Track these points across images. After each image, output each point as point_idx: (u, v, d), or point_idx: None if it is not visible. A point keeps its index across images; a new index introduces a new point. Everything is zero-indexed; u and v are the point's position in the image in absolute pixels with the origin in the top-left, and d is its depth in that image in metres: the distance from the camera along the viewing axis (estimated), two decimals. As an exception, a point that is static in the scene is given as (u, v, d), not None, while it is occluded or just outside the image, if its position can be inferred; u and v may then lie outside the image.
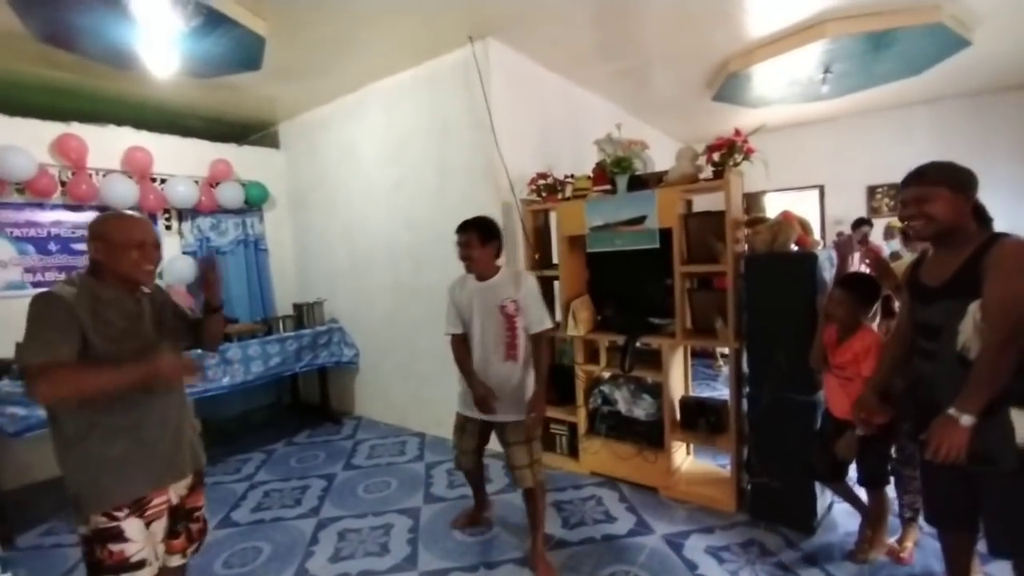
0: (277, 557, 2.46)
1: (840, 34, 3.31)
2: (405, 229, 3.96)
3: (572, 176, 3.20)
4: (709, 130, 5.86)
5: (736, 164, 2.54)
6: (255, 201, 4.60)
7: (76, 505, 1.37)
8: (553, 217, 3.28)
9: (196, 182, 4.19)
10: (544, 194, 3.21)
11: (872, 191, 5.95)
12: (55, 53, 3.04)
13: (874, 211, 5.86)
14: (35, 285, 3.48)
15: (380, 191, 4.09)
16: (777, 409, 2.40)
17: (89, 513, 1.35)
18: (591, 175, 3.07)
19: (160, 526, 1.48)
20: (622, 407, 2.93)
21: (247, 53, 3.16)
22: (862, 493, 2.23)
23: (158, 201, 3.97)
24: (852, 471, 2.18)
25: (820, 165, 6.23)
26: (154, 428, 1.46)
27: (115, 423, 1.39)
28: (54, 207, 3.58)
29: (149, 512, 1.44)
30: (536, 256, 3.27)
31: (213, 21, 2.74)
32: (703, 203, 2.92)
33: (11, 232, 3.41)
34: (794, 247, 2.44)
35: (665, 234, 2.66)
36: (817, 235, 2.72)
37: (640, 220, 2.70)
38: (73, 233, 3.67)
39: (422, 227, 3.85)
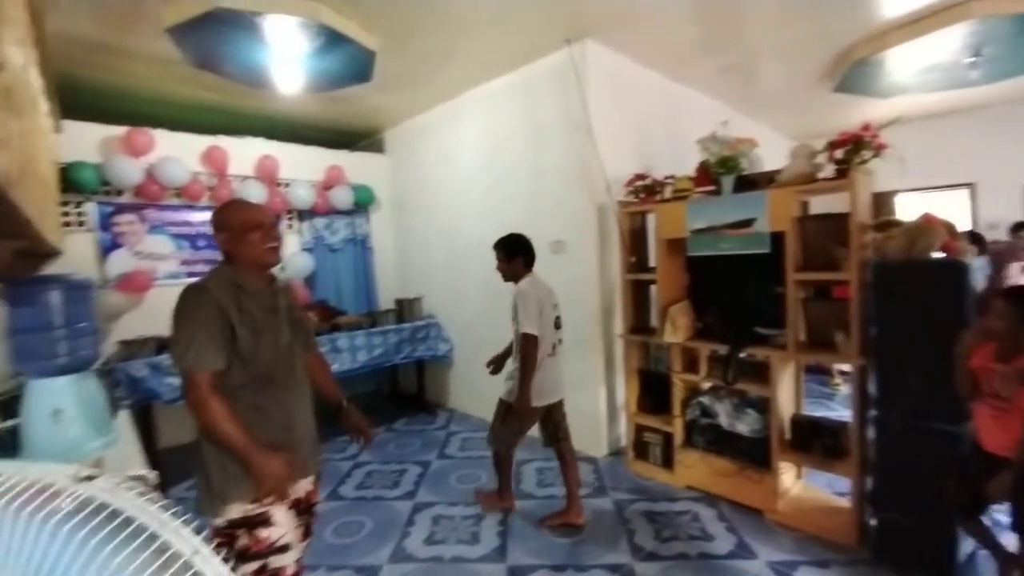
0: (377, 533, 2.64)
1: (989, 14, 2.87)
2: (498, 230, 4.04)
3: (672, 177, 3.08)
4: (827, 124, 5.35)
5: (864, 161, 2.29)
6: (363, 203, 4.96)
7: (219, 495, 1.37)
8: (651, 219, 3.18)
9: (313, 186, 4.61)
10: (642, 195, 3.12)
11: (1033, 190, 5.08)
12: (204, 76, 3.50)
13: (1036, 213, 4.99)
14: (189, 275, 4.04)
15: (475, 193, 4.23)
16: (911, 438, 2.12)
17: (236, 501, 1.36)
18: (693, 176, 2.94)
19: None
20: (723, 421, 2.76)
21: (359, 67, 3.42)
22: (1007, 539, 1.90)
23: (282, 203, 4.43)
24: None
25: (969, 161, 5.42)
26: (289, 427, 1.50)
27: (257, 420, 1.41)
28: (202, 208, 4.13)
29: (288, 503, 1.47)
30: (632, 259, 3.18)
31: (332, 40, 3.00)
32: (821, 205, 2.67)
33: (171, 230, 3.98)
34: (937, 254, 2.15)
35: (776, 238, 2.47)
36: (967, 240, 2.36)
37: (748, 223, 2.53)
38: (216, 232, 4.21)
39: (515, 228, 3.87)
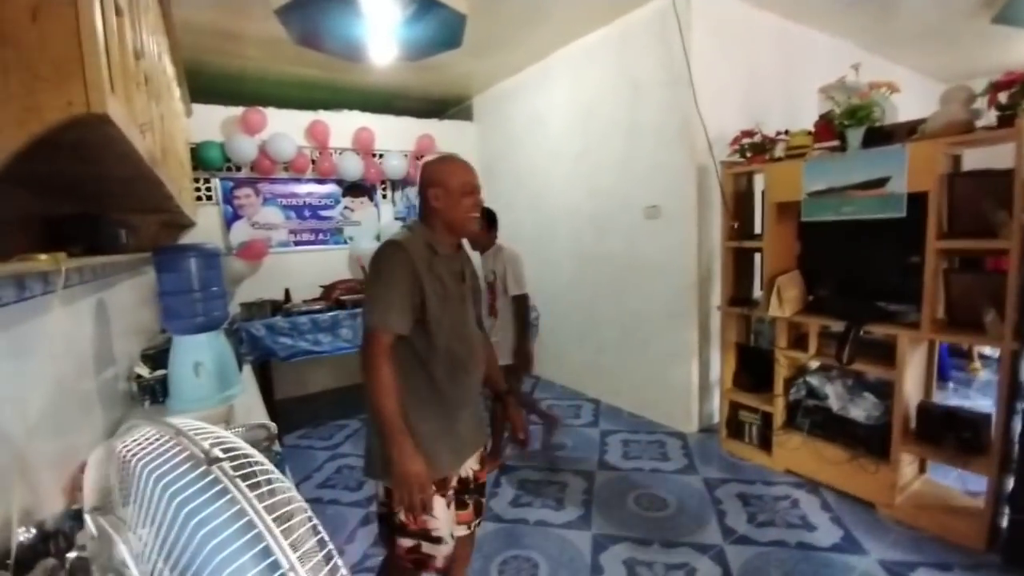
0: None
1: None
2: (588, 197, 3.93)
3: (786, 132, 2.75)
4: (985, 63, 4.50)
5: (1039, 105, 1.88)
6: (452, 172, 5.04)
7: (379, 464, 1.31)
8: (759, 181, 2.89)
9: (405, 156, 4.75)
10: (749, 154, 2.83)
11: None
12: (306, 53, 3.66)
13: None
14: (296, 244, 4.40)
15: (565, 158, 4.11)
16: (1080, 436, 1.79)
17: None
18: (811, 130, 2.60)
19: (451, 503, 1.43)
20: (834, 404, 2.52)
21: (450, 32, 3.39)
22: None
23: (377, 174, 4.63)
24: None
25: None
26: (462, 406, 1.41)
27: (432, 398, 1.35)
28: (307, 181, 4.43)
29: (449, 492, 1.40)
30: (735, 225, 2.93)
31: (424, 6, 2.99)
32: (974, 160, 2.25)
33: (281, 202, 4.33)
34: None
35: (915, 200, 2.13)
36: None
37: (881, 183, 2.20)
38: (320, 202, 4.51)
39: (605, 195, 3.77)
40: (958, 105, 2.07)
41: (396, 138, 4.77)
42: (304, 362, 3.69)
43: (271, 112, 4.13)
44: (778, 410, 2.76)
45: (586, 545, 2.25)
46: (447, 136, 5.02)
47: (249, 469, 0.53)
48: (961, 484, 2.45)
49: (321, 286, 4.10)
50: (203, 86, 4.02)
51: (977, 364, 4.15)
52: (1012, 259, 1.93)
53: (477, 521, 1.58)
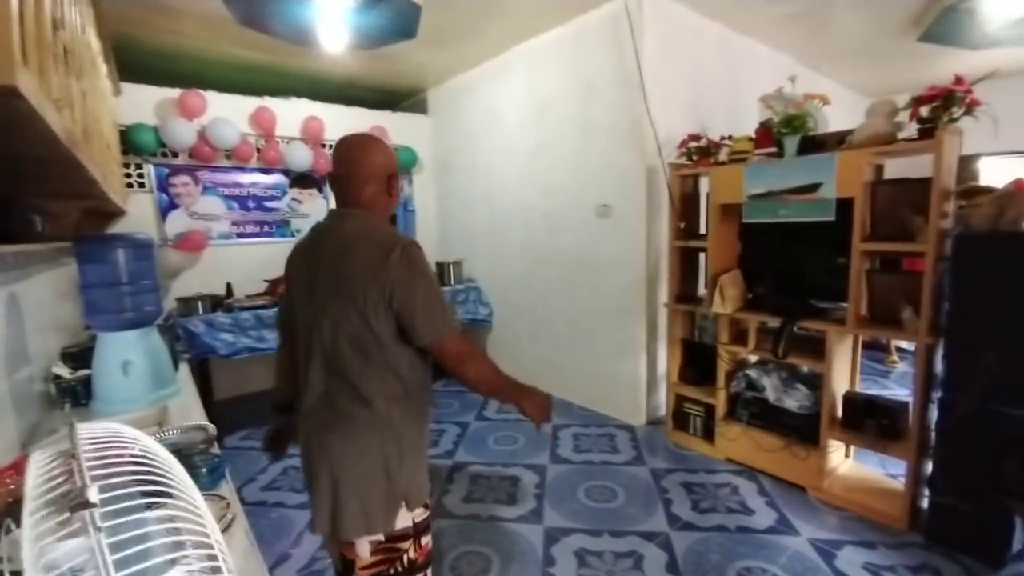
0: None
1: None
2: (542, 194, 3.97)
3: (730, 137, 2.88)
4: (908, 80, 4.88)
5: (953, 120, 2.06)
6: (406, 165, 4.95)
7: (401, 498, 1.16)
8: (704, 183, 3.01)
9: (357, 147, 4.61)
10: (695, 157, 2.95)
11: None
12: (251, 35, 3.50)
13: None
14: (239, 236, 4.19)
15: (519, 155, 4.12)
16: (980, 421, 1.98)
17: (420, 504, 1.20)
18: (752, 136, 2.74)
19: None
20: (770, 395, 2.67)
21: (405, 22, 3.33)
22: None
23: (327, 165, 4.47)
24: None
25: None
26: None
27: (427, 412, 1.28)
28: (252, 170, 4.22)
29: None
30: (682, 225, 3.05)
31: (378, -7, 2.92)
32: (895, 169, 2.45)
33: (223, 191, 4.11)
34: (1030, 225, 1.93)
35: (843, 205, 2.29)
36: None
37: (814, 188, 2.35)
38: (265, 193, 4.31)
39: (559, 192, 3.81)
40: (882, 118, 2.24)
41: (347, 128, 4.46)
42: (247, 360, 3.53)
43: (212, 96, 3.90)
44: (720, 402, 2.90)
45: (538, 538, 2.28)
46: (401, 128, 4.92)
47: (132, 502, 0.48)
48: (882, 468, 2.67)
49: (266, 280, 3.93)
50: (135, 64, 3.75)
51: (895, 357, 4.52)
52: (927, 261, 2.11)
53: None
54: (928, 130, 2.09)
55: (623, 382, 3.50)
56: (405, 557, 1.19)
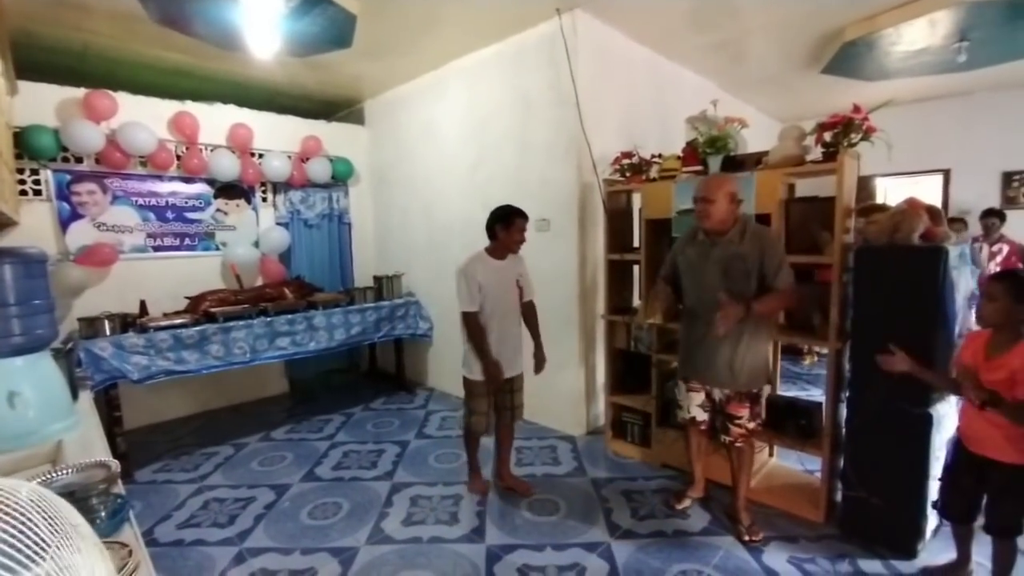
0: (355, 513, 2.62)
1: None
2: (482, 208, 3.95)
3: (659, 156, 3.03)
4: (814, 107, 5.35)
5: (852, 144, 2.28)
6: (341, 176, 4.81)
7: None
8: (636, 199, 3.14)
9: (289, 157, 4.43)
10: (628, 174, 3.07)
11: (1008, 178, 5.17)
12: (171, 35, 3.29)
13: (1009, 201, 5.11)
14: (155, 249, 3.87)
15: (459, 169, 4.12)
16: (883, 419, 2.17)
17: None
18: (680, 155, 2.89)
19: None
20: (701, 401, 2.79)
21: (339, 31, 3.26)
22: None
23: (256, 175, 4.25)
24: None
25: (947, 147, 5.46)
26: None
27: None
28: (171, 179, 3.93)
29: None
30: (616, 239, 3.15)
31: (311, 1, 2.83)
32: (806, 188, 2.67)
33: (136, 201, 3.79)
34: (918, 240, 2.16)
35: (762, 220, 2.45)
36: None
37: (735, 205, 2.50)
38: (186, 203, 4.03)
39: (498, 205, 3.82)
40: (792, 141, 2.43)
41: (278, 138, 4.43)
42: (164, 384, 3.24)
43: (124, 97, 3.61)
44: (655, 410, 3.00)
45: (480, 558, 2.24)
46: (336, 139, 4.78)
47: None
48: (801, 465, 2.85)
49: (187, 297, 3.64)
50: (35, 62, 3.41)
51: (808, 359, 4.91)
52: (834, 272, 2.30)
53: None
54: (831, 153, 2.29)
55: (563, 394, 3.54)
56: None
